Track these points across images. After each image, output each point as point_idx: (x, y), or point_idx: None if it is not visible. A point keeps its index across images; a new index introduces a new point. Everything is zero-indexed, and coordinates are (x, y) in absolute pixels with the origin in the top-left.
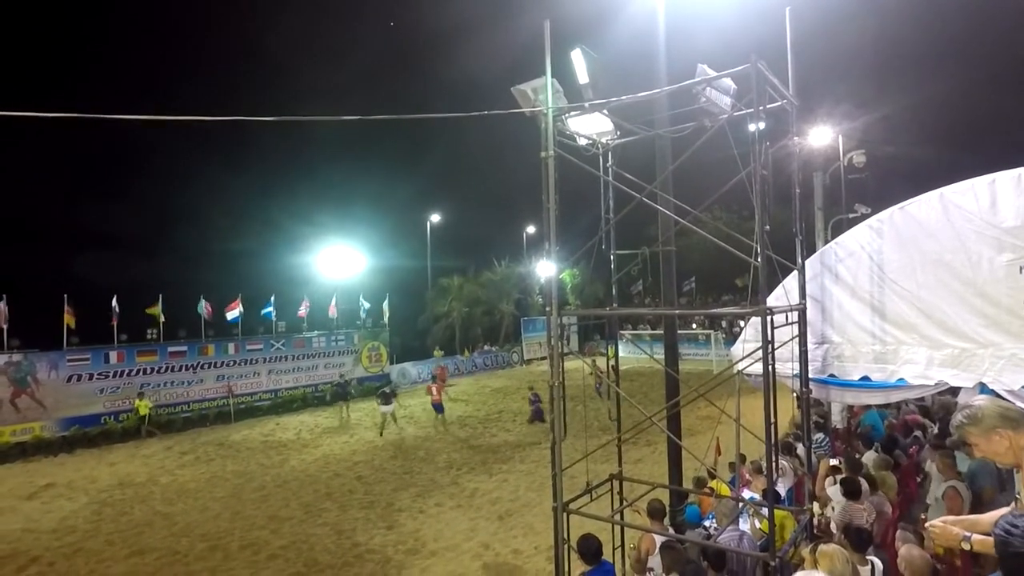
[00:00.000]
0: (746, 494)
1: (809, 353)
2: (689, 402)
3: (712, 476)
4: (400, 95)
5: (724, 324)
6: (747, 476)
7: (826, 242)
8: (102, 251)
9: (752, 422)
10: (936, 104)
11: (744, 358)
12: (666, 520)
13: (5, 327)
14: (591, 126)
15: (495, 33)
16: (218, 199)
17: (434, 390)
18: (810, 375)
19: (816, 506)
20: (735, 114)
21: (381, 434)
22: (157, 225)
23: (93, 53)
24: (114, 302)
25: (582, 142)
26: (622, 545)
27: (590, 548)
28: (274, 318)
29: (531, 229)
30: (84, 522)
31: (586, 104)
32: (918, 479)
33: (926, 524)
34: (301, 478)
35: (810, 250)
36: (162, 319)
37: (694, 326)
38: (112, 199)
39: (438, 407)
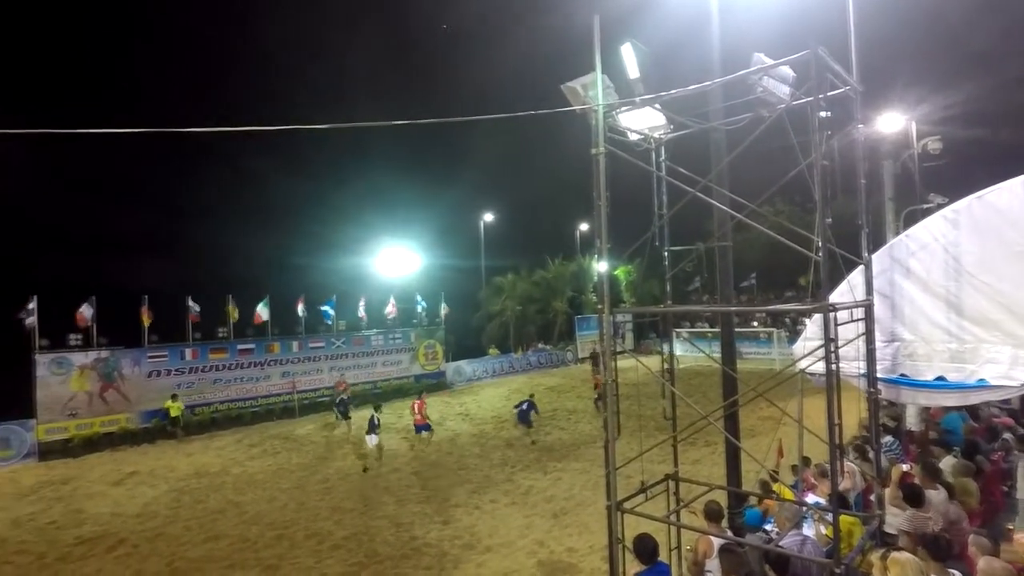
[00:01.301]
0: (810, 499)
1: (877, 352)
2: (749, 401)
3: (774, 479)
4: (452, 96)
5: (788, 322)
6: (811, 480)
7: (897, 235)
8: (175, 254)
9: (816, 423)
10: (1021, 83)
11: (806, 356)
12: (724, 523)
13: (94, 326)
14: (642, 121)
15: (543, 31)
16: (280, 203)
17: (416, 408)
18: (879, 375)
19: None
20: (794, 103)
21: (365, 470)
22: (224, 229)
23: (166, 56)
24: (189, 302)
25: (633, 137)
26: (678, 547)
27: (646, 548)
28: (334, 317)
29: (584, 226)
30: (164, 508)
31: (637, 99)
32: (1004, 486)
33: (1015, 536)
34: (361, 472)
35: (878, 243)
36: (235, 318)
37: (755, 324)
38: (182, 205)
39: (422, 428)
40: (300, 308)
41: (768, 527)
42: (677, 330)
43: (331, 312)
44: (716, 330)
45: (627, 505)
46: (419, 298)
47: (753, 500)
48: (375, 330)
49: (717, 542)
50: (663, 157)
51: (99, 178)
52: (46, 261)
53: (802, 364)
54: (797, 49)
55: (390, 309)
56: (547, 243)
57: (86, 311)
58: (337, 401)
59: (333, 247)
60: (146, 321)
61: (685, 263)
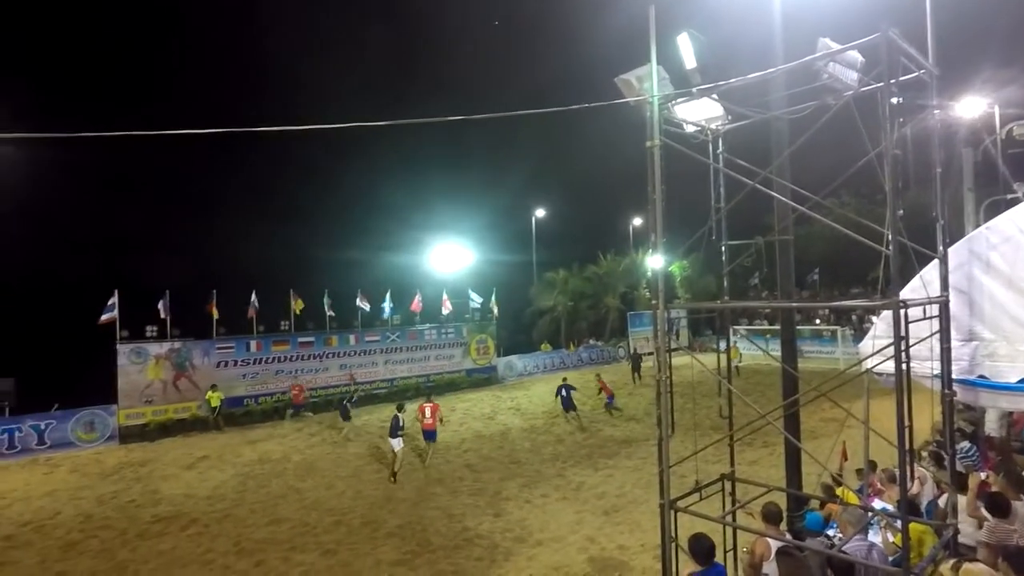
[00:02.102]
0: (877, 504)
1: (953, 351)
2: (810, 401)
3: (838, 482)
4: (504, 92)
5: (854, 319)
6: (878, 485)
7: (977, 227)
8: (241, 252)
9: (884, 426)
10: None
11: (873, 355)
12: (783, 525)
13: (168, 319)
14: (699, 112)
15: (595, 24)
16: (339, 201)
17: (427, 412)
18: (955, 376)
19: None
20: (863, 89)
21: (394, 479)
22: (286, 226)
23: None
24: (253, 297)
25: (690, 129)
26: (734, 548)
27: (702, 548)
28: (390, 312)
29: (637, 221)
30: (232, 491)
31: (694, 90)
32: None
33: None
34: (414, 463)
35: (956, 236)
36: (298, 311)
37: (818, 321)
38: (246, 206)
39: (431, 434)
40: (358, 302)
41: (831, 532)
42: (735, 327)
43: (391, 307)
44: (775, 327)
45: (681, 504)
46: (471, 293)
47: (814, 503)
48: (428, 325)
49: (775, 545)
50: (720, 149)
51: (170, 183)
52: (125, 259)
53: (869, 363)
54: (865, 32)
55: (443, 303)
56: (599, 238)
57: (162, 305)
58: (346, 400)
59: (389, 244)
60: (214, 314)
61: (743, 258)
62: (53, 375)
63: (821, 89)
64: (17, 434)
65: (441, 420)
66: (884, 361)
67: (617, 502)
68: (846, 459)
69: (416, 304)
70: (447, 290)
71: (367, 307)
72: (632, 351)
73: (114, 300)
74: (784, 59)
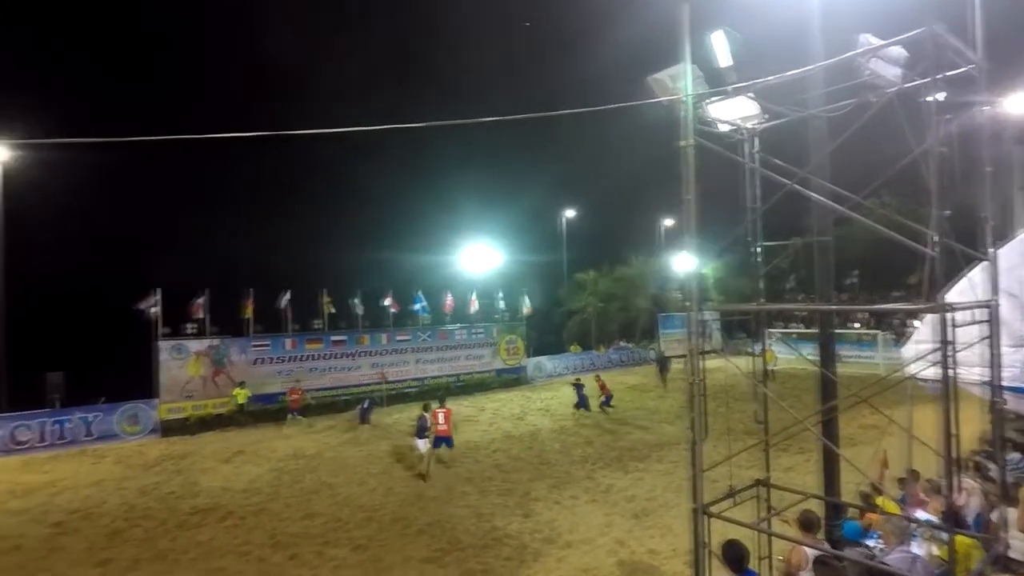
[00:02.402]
0: (920, 515)
1: (1005, 357)
2: (849, 407)
3: (878, 491)
4: (533, 92)
5: (895, 323)
6: (921, 495)
7: None
8: (275, 252)
9: (927, 434)
10: None
11: (917, 360)
12: (820, 534)
13: (207, 317)
14: (734, 111)
15: (625, 24)
16: (370, 202)
17: (441, 418)
18: (1005, 383)
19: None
20: (906, 86)
21: (424, 478)
22: (318, 227)
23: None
24: (287, 296)
25: (723, 128)
26: (769, 557)
27: (735, 555)
28: (423, 312)
29: (668, 222)
30: (267, 485)
31: (729, 88)
32: None
33: None
34: (444, 461)
35: (1005, 238)
36: (331, 310)
37: (856, 325)
38: (280, 207)
39: (447, 440)
40: (388, 302)
41: (871, 542)
42: (770, 330)
43: (423, 307)
44: (811, 331)
45: (714, 509)
46: (500, 294)
47: (852, 512)
48: (458, 325)
49: (812, 554)
50: (756, 148)
51: (204, 185)
52: (166, 258)
53: (912, 369)
54: (908, 27)
55: (471, 303)
56: (630, 239)
57: (200, 303)
58: (364, 404)
59: (419, 244)
60: (249, 313)
61: (780, 259)
62: (100, 370)
63: (861, 86)
64: (67, 425)
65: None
66: (929, 367)
67: (647, 505)
68: (887, 467)
69: (448, 304)
70: (477, 291)
71: (395, 309)
72: (660, 354)
73: (157, 298)
74: (823, 56)
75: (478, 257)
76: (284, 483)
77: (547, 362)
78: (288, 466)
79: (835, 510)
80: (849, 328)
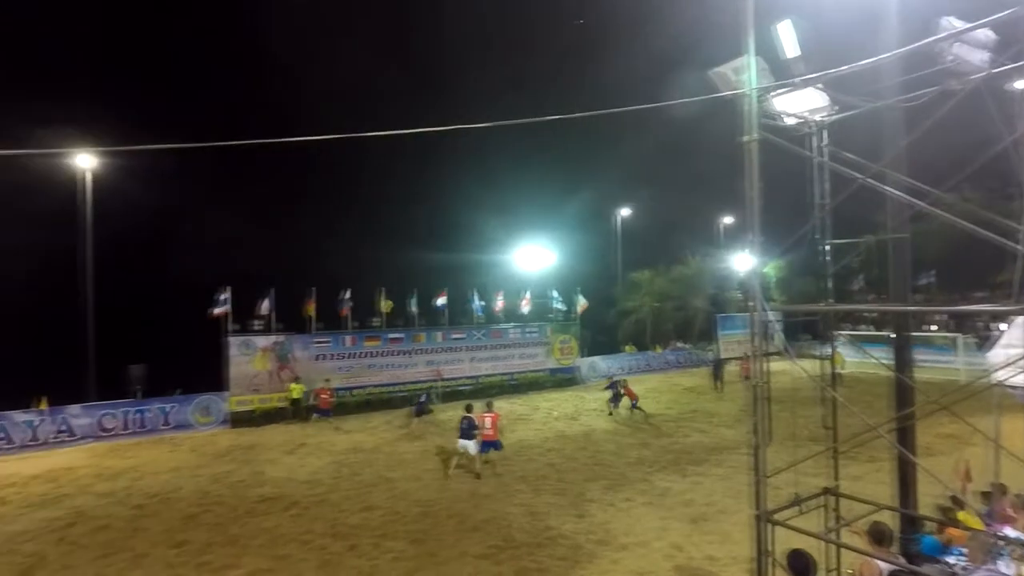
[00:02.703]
0: (1009, 532)
1: None
2: (927, 415)
3: (959, 505)
4: (587, 90)
5: (979, 326)
6: (1009, 510)
7: None
8: (336, 252)
9: (1016, 446)
10: None
11: (1005, 367)
12: (894, 547)
13: (272, 314)
14: (801, 103)
15: (683, 18)
16: (426, 204)
17: (487, 422)
18: None
19: None
20: (994, 71)
21: (478, 475)
22: (376, 227)
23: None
24: (347, 295)
25: (790, 122)
26: (837, 569)
27: (801, 565)
28: (478, 311)
29: (728, 220)
30: (328, 477)
31: (797, 80)
32: None
33: None
34: (498, 460)
35: None
36: (388, 310)
37: (934, 328)
38: (338, 209)
39: (496, 445)
40: (442, 301)
41: (951, 559)
42: (838, 332)
43: (478, 305)
44: (882, 333)
45: (777, 517)
46: (554, 293)
47: (929, 526)
48: (512, 324)
49: (885, 568)
50: (825, 141)
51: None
52: (233, 257)
53: (999, 375)
54: (996, 9)
55: (524, 303)
56: (687, 238)
57: (265, 301)
58: (424, 398)
59: (474, 244)
60: (310, 311)
61: (851, 258)
62: (177, 363)
63: (943, 73)
64: (147, 415)
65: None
66: (1018, 374)
67: (705, 511)
68: (969, 480)
69: (499, 304)
70: (531, 290)
71: (446, 309)
72: (716, 356)
73: (227, 295)
74: (900, 42)
75: (532, 256)
76: (344, 476)
77: (601, 362)
78: (347, 459)
79: (911, 523)
80: (925, 331)
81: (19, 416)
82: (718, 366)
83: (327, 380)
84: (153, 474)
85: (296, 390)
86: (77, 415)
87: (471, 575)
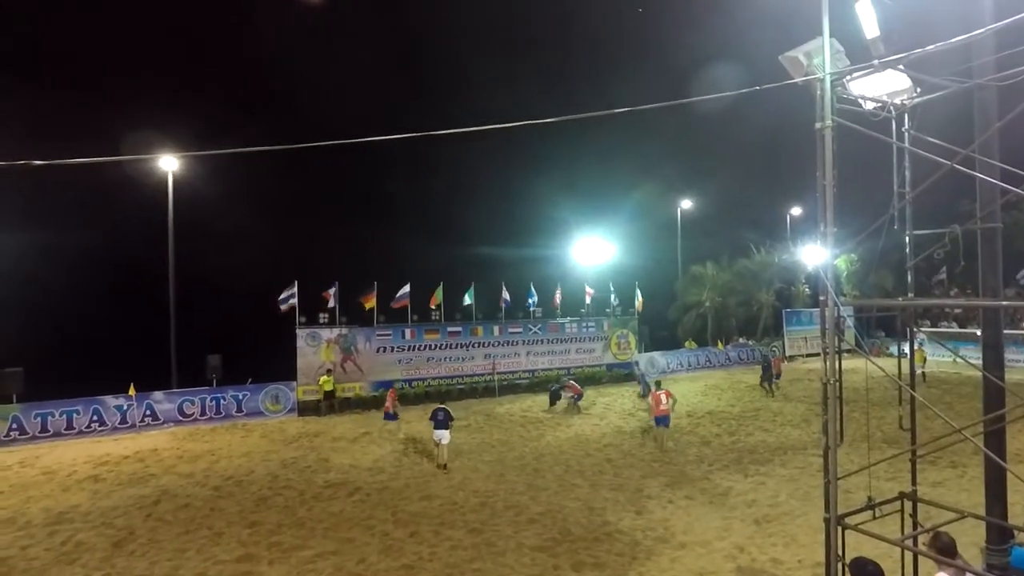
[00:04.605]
0: None
1: None
2: (1018, 418)
3: None
4: (649, 79)
5: None
6: None
7: None
8: (394, 250)
9: None
10: None
11: None
12: (979, 561)
13: (337, 307)
14: (880, 86)
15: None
16: (486, 198)
17: (663, 399)
18: None
19: None
20: None
21: (444, 465)
22: (436, 225)
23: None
24: (407, 289)
25: (869, 107)
26: None
27: (866, 573)
28: (533, 305)
29: (796, 211)
30: (389, 466)
31: (876, 62)
32: None
33: None
34: (555, 453)
35: None
36: (433, 305)
37: None
38: (398, 206)
39: (664, 419)
40: (503, 295)
41: None
42: (918, 329)
43: (534, 300)
44: (966, 331)
45: (849, 521)
46: (612, 288)
47: (1021, 537)
48: (569, 318)
49: None
50: (907, 126)
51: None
52: (304, 252)
53: None
54: None
55: (588, 294)
56: (752, 230)
57: (332, 294)
58: (554, 388)
59: (532, 238)
60: (369, 304)
61: (935, 248)
62: (250, 354)
63: None
64: (222, 402)
65: (673, 407)
66: None
67: (770, 512)
68: None
69: (556, 299)
70: (589, 284)
71: (508, 302)
72: (764, 356)
73: (294, 290)
74: (993, 16)
75: (591, 250)
76: (404, 465)
77: (660, 358)
78: (408, 449)
79: (1000, 533)
80: (1017, 328)
81: (112, 401)
82: (767, 366)
83: (397, 386)
84: (228, 458)
85: (327, 383)
86: (160, 401)
87: (527, 566)
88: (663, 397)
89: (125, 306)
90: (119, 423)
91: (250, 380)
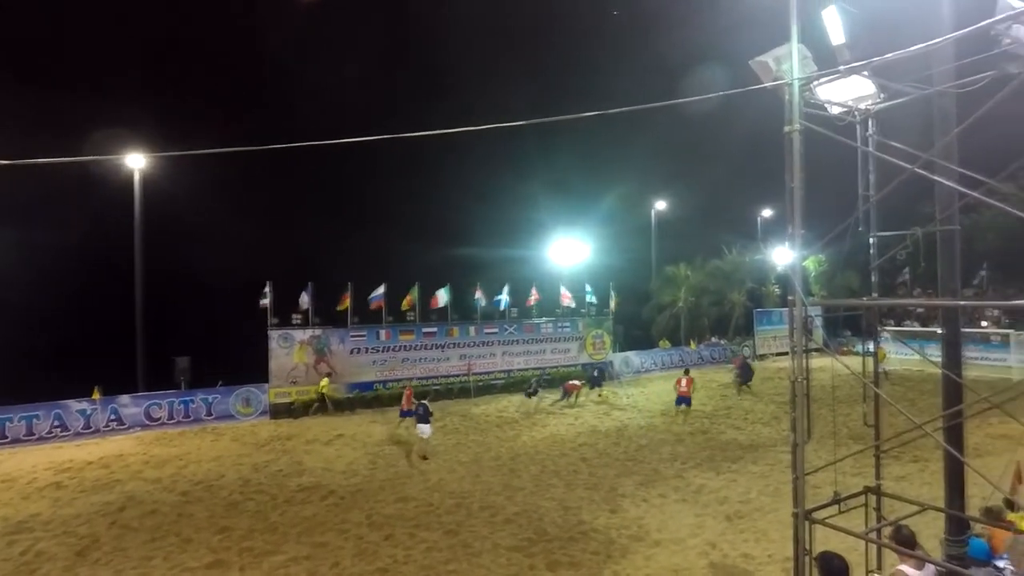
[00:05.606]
0: None
1: None
2: (976, 414)
3: (1011, 507)
4: (622, 81)
5: None
6: None
7: None
8: (373, 248)
9: None
10: None
11: None
12: (939, 552)
13: (310, 309)
14: (846, 92)
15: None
16: (459, 199)
17: (683, 383)
18: None
19: None
20: None
21: (426, 456)
22: (411, 223)
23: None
24: (382, 289)
25: (835, 111)
26: (878, 569)
27: (832, 569)
28: (507, 305)
29: (766, 213)
30: (363, 468)
31: (842, 68)
32: None
33: None
34: (531, 453)
35: None
36: (407, 306)
37: (984, 324)
38: (373, 205)
39: (686, 400)
40: (477, 296)
41: (1001, 563)
42: (882, 328)
43: (506, 300)
44: (928, 330)
45: (817, 516)
46: (588, 288)
47: (980, 530)
48: (545, 318)
49: (928, 572)
50: (871, 131)
51: (310, 188)
52: (277, 252)
53: None
54: None
55: (564, 298)
56: (724, 231)
57: (304, 296)
58: (596, 372)
59: (507, 238)
60: (346, 305)
61: (897, 250)
62: (219, 356)
63: (1000, 57)
64: (191, 405)
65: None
66: None
67: (741, 508)
68: (1021, 482)
69: (532, 298)
70: (564, 284)
71: (483, 301)
72: (739, 356)
73: (267, 290)
74: (953, 26)
75: (566, 251)
76: (379, 467)
77: (635, 357)
78: (383, 451)
79: (959, 525)
80: (976, 327)
81: (75, 405)
82: (744, 367)
83: (410, 383)
84: (197, 462)
85: (326, 387)
86: (126, 404)
87: (503, 567)
88: (683, 382)
89: (90, 307)
90: (82, 428)
91: (220, 382)
